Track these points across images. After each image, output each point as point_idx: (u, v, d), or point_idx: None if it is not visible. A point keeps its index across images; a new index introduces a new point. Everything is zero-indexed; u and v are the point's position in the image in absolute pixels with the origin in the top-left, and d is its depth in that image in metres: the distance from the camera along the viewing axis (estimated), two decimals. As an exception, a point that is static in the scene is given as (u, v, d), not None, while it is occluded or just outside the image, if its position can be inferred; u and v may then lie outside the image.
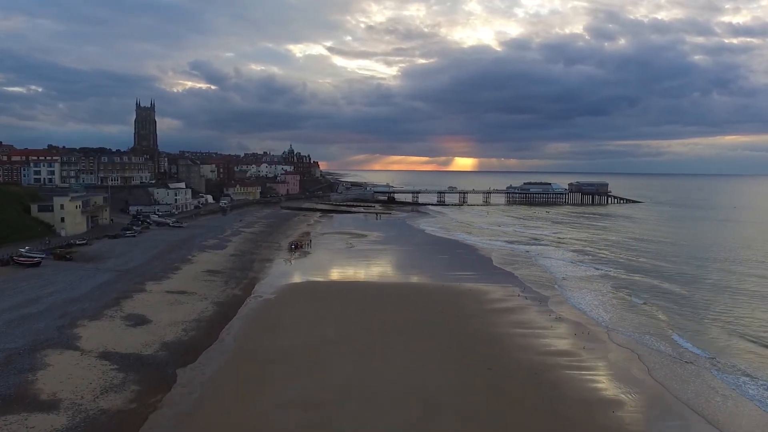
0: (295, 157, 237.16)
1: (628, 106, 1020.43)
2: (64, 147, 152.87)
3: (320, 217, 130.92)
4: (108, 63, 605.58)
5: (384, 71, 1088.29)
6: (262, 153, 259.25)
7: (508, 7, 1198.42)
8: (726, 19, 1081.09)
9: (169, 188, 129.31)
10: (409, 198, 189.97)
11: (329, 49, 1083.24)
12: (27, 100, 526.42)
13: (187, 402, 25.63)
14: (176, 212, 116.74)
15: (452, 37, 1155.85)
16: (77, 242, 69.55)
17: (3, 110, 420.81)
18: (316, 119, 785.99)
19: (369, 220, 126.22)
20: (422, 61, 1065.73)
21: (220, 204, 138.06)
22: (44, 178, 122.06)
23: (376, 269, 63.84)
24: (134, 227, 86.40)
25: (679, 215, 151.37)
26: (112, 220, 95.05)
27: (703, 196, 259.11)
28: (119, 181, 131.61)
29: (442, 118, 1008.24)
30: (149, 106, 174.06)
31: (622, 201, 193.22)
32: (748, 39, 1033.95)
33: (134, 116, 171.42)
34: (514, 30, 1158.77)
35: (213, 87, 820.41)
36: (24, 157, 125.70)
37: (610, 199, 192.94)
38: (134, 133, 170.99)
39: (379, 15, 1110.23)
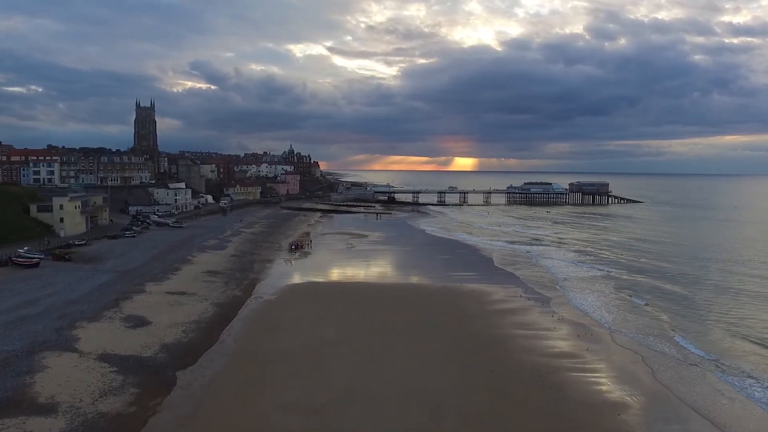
0: (295, 157, 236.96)
1: (628, 106, 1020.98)
2: (63, 147, 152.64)
3: (320, 217, 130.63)
4: (108, 63, 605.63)
5: (384, 71, 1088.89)
6: (262, 153, 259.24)
7: (508, 7, 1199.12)
8: (726, 18, 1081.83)
9: (168, 188, 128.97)
10: (409, 198, 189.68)
11: (329, 49, 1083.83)
12: (27, 100, 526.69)
13: (188, 405, 25.32)
14: (176, 212, 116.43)
15: (452, 37, 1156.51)
16: (76, 243, 69.23)
17: (3, 110, 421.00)
18: (316, 119, 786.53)
19: (369, 220, 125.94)
20: (422, 61, 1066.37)
21: (220, 204, 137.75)
22: (43, 178, 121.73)
23: (376, 270, 63.54)
24: (134, 227, 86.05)
25: (680, 215, 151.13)
26: (111, 220, 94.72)
27: (704, 196, 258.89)
28: (119, 181, 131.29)
29: (442, 118, 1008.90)
30: (149, 106, 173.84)
31: (622, 201, 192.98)
32: (749, 39, 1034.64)
33: (134, 116, 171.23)
34: (515, 30, 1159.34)
35: (213, 87, 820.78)
36: (23, 157, 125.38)
37: (610, 199, 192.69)
38: (134, 133, 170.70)
39: (379, 15, 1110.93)
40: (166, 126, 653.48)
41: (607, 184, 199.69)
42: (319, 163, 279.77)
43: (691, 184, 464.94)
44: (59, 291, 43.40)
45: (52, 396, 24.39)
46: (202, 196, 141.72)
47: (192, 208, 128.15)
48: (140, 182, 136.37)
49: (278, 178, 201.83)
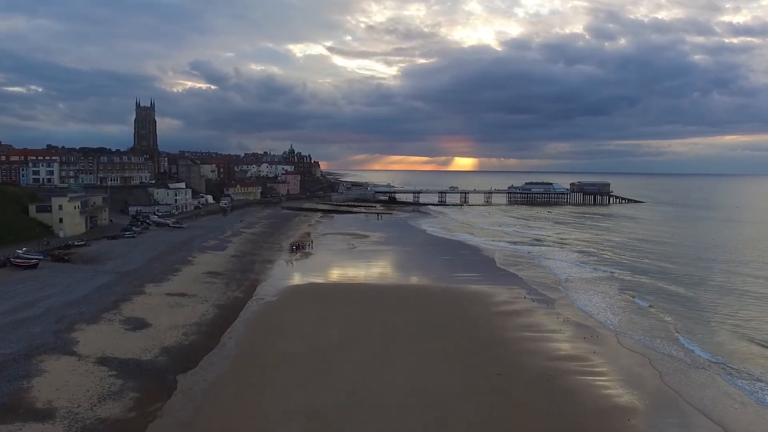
0: (295, 157, 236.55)
1: (628, 106, 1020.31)
2: (63, 147, 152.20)
3: (321, 217, 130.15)
4: (108, 63, 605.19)
5: (384, 71, 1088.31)
6: (262, 153, 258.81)
7: (508, 6, 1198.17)
8: (726, 18, 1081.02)
9: (168, 188, 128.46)
10: (410, 198, 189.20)
11: (329, 49, 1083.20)
12: (27, 100, 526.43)
13: (188, 410, 24.81)
14: (176, 213, 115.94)
15: (452, 37, 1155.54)
16: (76, 243, 68.73)
17: (3, 110, 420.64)
18: (316, 119, 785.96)
19: (370, 220, 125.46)
20: (422, 61, 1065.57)
21: (221, 204, 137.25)
22: (43, 179, 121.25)
23: (378, 271, 63.03)
24: (133, 228, 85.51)
25: (681, 215, 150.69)
26: (111, 220, 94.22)
27: (705, 196, 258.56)
28: (119, 181, 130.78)
29: (442, 118, 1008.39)
30: (149, 105, 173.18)
31: (623, 201, 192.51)
32: (749, 39, 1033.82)
33: (134, 116, 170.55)
34: (515, 30, 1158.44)
35: (213, 87, 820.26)
36: (22, 157, 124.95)
37: (611, 199, 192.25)
38: (134, 133, 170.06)
39: (379, 15, 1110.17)
40: (166, 126, 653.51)
41: (609, 184, 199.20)
42: (320, 163, 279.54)
43: (691, 184, 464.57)
44: (58, 292, 42.88)
45: (50, 401, 23.86)
46: (203, 196, 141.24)
47: (192, 208, 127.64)
48: (140, 182, 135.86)
49: (279, 178, 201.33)
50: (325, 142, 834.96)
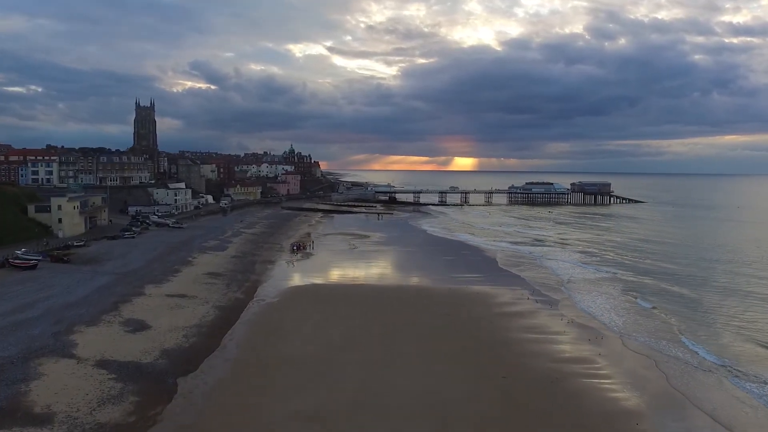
0: (295, 157, 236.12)
1: (628, 106, 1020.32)
2: (62, 147, 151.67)
3: (322, 217, 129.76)
4: (108, 63, 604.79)
5: (384, 71, 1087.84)
6: (262, 153, 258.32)
7: (508, 6, 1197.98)
8: (726, 18, 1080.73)
9: (168, 188, 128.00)
10: (410, 198, 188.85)
11: (329, 48, 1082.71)
12: (27, 100, 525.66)
13: (189, 414, 24.40)
14: (176, 213, 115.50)
15: (452, 36, 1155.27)
16: (75, 244, 68.31)
17: (3, 110, 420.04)
18: (316, 119, 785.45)
19: (371, 220, 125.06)
20: (422, 60, 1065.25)
21: (221, 204, 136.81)
22: (42, 179, 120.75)
23: (380, 271, 62.66)
24: (133, 228, 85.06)
25: (682, 215, 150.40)
26: (110, 220, 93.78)
27: (705, 196, 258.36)
28: (118, 181, 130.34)
29: (442, 118, 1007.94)
30: (149, 105, 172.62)
31: (624, 201, 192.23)
32: (749, 39, 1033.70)
33: (134, 116, 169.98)
34: (514, 30, 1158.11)
35: (213, 87, 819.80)
36: (22, 157, 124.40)
37: (612, 199, 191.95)
38: (134, 133, 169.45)
39: (379, 15, 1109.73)
40: (165, 126, 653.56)
41: (609, 184, 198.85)
42: (319, 163, 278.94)
43: (691, 183, 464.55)
44: (57, 294, 42.45)
45: (48, 405, 23.44)
46: (202, 197, 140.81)
47: (192, 208, 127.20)
48: (140, 182, 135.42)
49: (279, 178, 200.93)
50: (324, 142, 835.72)
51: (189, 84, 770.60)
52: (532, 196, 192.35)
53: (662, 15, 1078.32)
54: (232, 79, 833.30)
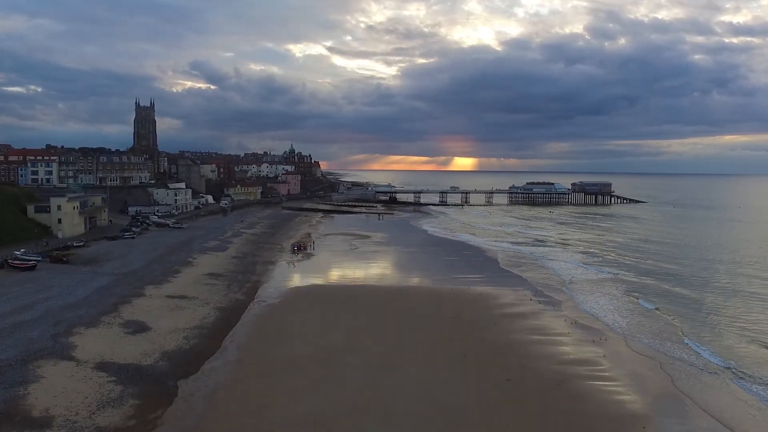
0: (296, 157, 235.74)
1: (628, 106, 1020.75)
2: (62, 147, 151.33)
3: (322, 217, 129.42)
4: (108, 63, 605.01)
5: (384, 71, 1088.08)
6: (262, 153, 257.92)
7: (508, 6, 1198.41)
8: (726, 18, 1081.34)
9: (168, 188, 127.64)
10: (410, 198, 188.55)
11: (329, 48, 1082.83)
12: (27, 100, 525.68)
13: (190, 418, 24.06)
14: (176, 213, 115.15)
15: (452, 36, 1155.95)
16: (74, 244, 67.94)
17: (3, 110, 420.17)
18: (316, 119, 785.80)
19: (371, 220, 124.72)
20: (422, 60, 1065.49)
21: (221, 204, 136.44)
22: (41, 179, 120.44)
23: (382, 272, 62.33)
24: (133, 228, 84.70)
25: (683, 215, 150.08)
26: (110, 221, 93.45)
27: (706, 196, 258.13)
28: (118, 181, 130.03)
29: (442, 118, 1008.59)
30: (149, 105, 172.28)
31: (625, 201, 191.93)
32: (748, 38, 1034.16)
33: (134, 116, 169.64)
34: (514, 30, 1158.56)
35: (213, 87, 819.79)
36: (21, 157, 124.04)
37: (613, 199, 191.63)
38: (133, 133, 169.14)
39: (378, 15, 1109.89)
40: (165, 126, 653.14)
41: (610, 184, 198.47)
42: (319, 162, 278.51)
43: (691, 183, 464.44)
44: (56, 295, 42.07)
45: (47, 409, 23.09)
46: (203, 197, 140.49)
47: (192, 208, 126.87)
48: (140, 182, 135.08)
49: (279, 178, 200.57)
50: (324, 142, 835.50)
51: (189, 84, 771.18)
52: (532, 196, 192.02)
53: (662, 15, 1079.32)
54: (231, 79, 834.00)
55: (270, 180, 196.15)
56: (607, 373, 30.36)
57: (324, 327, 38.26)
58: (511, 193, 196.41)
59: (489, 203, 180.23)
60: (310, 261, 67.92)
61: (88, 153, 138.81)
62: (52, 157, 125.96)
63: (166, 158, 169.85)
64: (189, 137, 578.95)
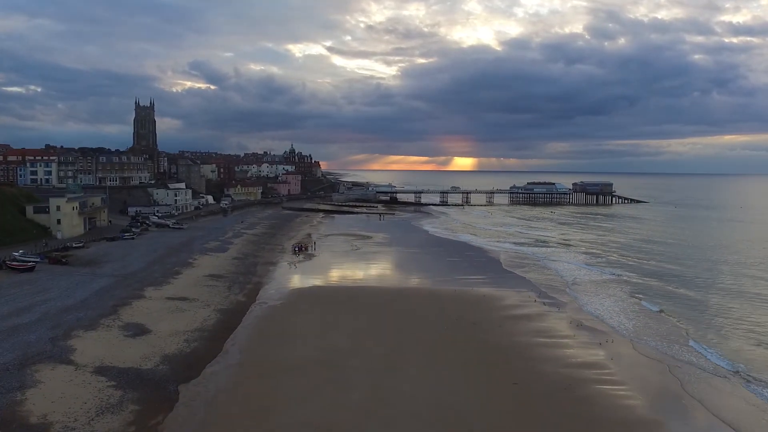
0: (296, 157, 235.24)
1: (628, 106, 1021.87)
2: (61, 147, 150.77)
3: (323, 217, 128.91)
4: (107, 63, 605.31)
5: (383, 71, 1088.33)
6: (262, 153, 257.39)
7: (507, 6, 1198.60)
8: (726, 18, 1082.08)
9: (168, 189, 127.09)
10: (411, 198, 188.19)
11: (329, 48, 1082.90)
12: (26, 100, 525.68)
13: (191, 423, 23.52)
14: (176, 213, 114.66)
15: (452, 36, 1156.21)
16: (74, 245, 67.39)
17: (2, 110, 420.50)
18: (316, 119, 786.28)
19: (372, 220, 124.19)
20: (422, 60, 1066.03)
21: (221, 205, 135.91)
22: (41, 179, 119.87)
23: (384, 273, 61.84)
24: (133, 229, 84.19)
25: (685, 215, 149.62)
26: (110, 221, 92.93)
27: (707, 196, 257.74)
28: (118, 182, 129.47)
29: (442, 118, 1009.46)
30: (148, 105, 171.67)
31: (626, 201, 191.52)
32: (748, 38, 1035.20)
33: (133, 116, 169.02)
34: (514, 29, 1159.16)
35: (212, 87, 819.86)
36: (20, 157, 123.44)
37: (614, 199, 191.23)
38: (133, 133, 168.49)
39: (378, 15, 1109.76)
40: (165, 126, 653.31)
41: (611, 184, 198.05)
42: (320, 162, 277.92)
43: (691, 183, 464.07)
44: (55, 297, 41.52)
45: (45, 415, 22.55)
46: (203, 197, 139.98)
47: (192, 208, 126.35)
48: (139, 182, 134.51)
49: (279, 178, 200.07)
50: (324, 141, 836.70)
51: (188, 84, 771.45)
52: (533, 196, 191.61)
53: (662, 15, 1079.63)
54: (231, 79, 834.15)
55: (270, 180, 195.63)
56: (615, 377, 29.84)
57: (326, 329, 37.72)
58: (512, 193, 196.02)
59: (490, 203, 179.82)
60: (312, 262, 67.39)
61: (88, 153, 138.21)
62: (51, 157, 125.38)
63: (166, 158, 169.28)
64: (189, 137, 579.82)
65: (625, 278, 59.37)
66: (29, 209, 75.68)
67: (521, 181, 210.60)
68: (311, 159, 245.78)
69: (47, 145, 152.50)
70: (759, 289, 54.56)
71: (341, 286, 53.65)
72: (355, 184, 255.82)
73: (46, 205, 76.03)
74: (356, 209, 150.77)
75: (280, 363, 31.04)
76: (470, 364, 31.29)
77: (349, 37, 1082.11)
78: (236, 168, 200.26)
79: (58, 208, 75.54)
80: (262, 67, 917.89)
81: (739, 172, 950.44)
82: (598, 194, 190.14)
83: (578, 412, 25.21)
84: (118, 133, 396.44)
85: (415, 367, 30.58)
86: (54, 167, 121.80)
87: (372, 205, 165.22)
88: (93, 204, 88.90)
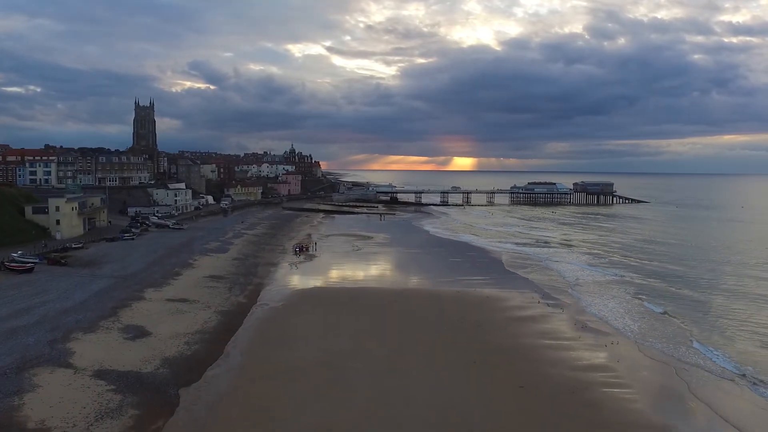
0: (296, 157, 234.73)
1: (628, 106, 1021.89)
2: (61, 147, 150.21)
3: (323, 218, 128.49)
4: (107, 63, 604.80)
5: (383, 71, 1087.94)
6: (262, 153, 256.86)
7: (507, 6, 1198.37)
8: (725, 18, 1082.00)
9: (168, 189, 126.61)
10: (411, 198, 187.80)
11: (328, 48, 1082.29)
12: (26, 100, 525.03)
13: (192, 428, 23.06)
14: (176, 213, 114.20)
15: (451, 36, 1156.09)
16: (73, 246, 66.91)
17: (1, 110, 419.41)
18: (316, 119, 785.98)
19: (373, 221, 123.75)
20: (421, 60, 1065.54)
21: (221, 205, 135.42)
22: (40, 179, 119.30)
23: (386, 274, 61.46)
24: (133, 229, 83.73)
25: (686, 215, 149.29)
26: (110, 222, 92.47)
27: (707, 196, 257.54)
28: (117, 182, 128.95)
29: (442, 118, 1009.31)
30: (148, 105, 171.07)
31: (627, 201, 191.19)
32: (748, 38, 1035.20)
33: (133, 116, 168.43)
34: (514, 29, 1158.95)
35: (212, 87, 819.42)
36: (19, 157, 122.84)
37: (615, 199, 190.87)
38: (133, 133, 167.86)
39: (378, 14, 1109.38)
40: (165, 126, 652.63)
41: (612, 184, 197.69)
42: (319, 162, 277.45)
43: (691, 183, 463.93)
44: (54, 299, 41.04)
45: (43, 420, 22.10)
46: (203, 197, 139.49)
47: (192, 209, 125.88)
48: (139, 183, 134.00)
49: (279, 178, 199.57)
50: (324, 141, 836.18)
51: (188, 84, 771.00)
52: (534, 196, 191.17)
53: (662, 14, 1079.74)
54: (231, 79, 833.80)
55: (270, 180, 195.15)
56: (622, 380, 29.44)
57: (328, 331, 37.30)
58: (513, 193, 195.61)
59: (490, 203, 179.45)
60: (313, 263, 66.95)
61: (87, 153, 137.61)
62: (50, 158, 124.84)
63: (165, 158, 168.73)
64: (188, 137, 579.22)
65: (627, 279, 59.03)
66: (28, 210, 75.21)
67: (521, 181, 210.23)
68: (311, 159, 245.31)
69: (47, 145, 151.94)
70: (762, 290, 54.20)
71: (342, 287, 53.20)
72: (355, 184, 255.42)
73: (45, 206, 75.55)
74: (356, 209, 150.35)
75: (281, 365, 30.62)
76: (475, 366, 30.86)
77: (348, 37, 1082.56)
78: (236, 168, 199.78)
79: (58, 208, 75.08)
80: (262, 67, 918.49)
81: (739, 172, 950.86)
82: (598, 194, 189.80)
83: (586, 416, 24.79)
84: (118, 133, 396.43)
85: (417, 369, 30.19)
86: (53, 167, 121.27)
87: (372, 205, 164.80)
88: (92, 204, 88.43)
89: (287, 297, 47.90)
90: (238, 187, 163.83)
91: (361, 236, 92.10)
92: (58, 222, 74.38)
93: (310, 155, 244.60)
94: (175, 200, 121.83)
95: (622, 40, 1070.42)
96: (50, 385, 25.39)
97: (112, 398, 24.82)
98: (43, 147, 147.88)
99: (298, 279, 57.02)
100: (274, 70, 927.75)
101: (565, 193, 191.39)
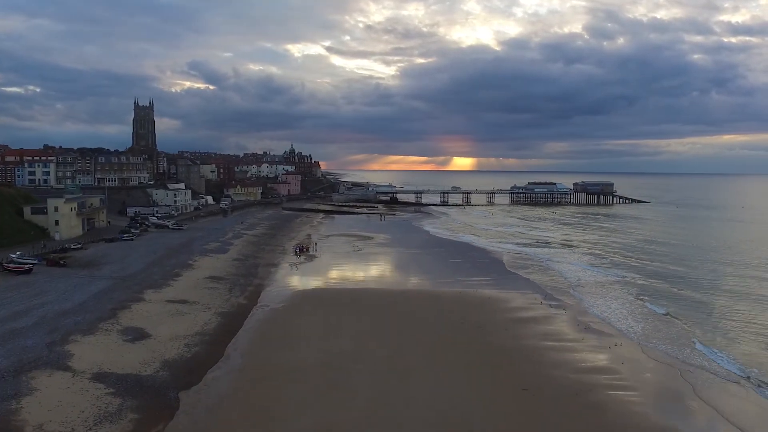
0: (296, 157, 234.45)
1: (627, 106, 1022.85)
2: (60, 147, 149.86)
3: (323, 218, 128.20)
4: (107, 63, 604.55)
5: (383, 71, 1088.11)
6: (262, 153, 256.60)
7: (506, 6, 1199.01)
8: (725, 18, 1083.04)
9: (168, 189, 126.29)
10: (411, 198, 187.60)
11: (328, 48, 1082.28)
12: (25, 101, 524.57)
13: (192, 432, 22.81)
14: (176, 214, 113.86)
15: (451, 36, 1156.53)
16: (72, 246, 66.57)
17: (1, 110, 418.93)
18: (315, 119, 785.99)
19: (373, 221, 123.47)
20: (421, 60, 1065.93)
21: (221, 205, 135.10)
22: (39, 179, 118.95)
23: (386, 274, 61.17)
24: (132, 230, 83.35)
25: (687, 215, 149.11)
26: (109, 222, 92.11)
27: (708, 196, 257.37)
28: (117, 182, 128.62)
29: (441, 118, 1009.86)
30: (148, 105, 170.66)
31: (627, 201, 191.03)
32: (747, 38, 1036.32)
33: (132, 116, 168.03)
34: (513, 29, 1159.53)
35: (211, 87, 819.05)
36: (18, 158, 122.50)
37: (615, 199, 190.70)
38: (132, 133, 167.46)
39: (377, 14, 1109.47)
40: (164, 126, 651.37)
41: (612, 184, 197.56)
42: (319, 162, 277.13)
43: (690, 183, 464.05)
44: (52, 300, 40.70)
45: (41, 425, 21.79)
46: (202, 197, 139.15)
47: (192, 209, 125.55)
48: (139, 183, 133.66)
49: (279, 178, 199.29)
50: (323, 141, 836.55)
51: (187, 84, 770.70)
52: (534, 196, 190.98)
53: (661, 14, 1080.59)
54: (230, 79, 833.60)
55: (270, 180, 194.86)
56: (626, 382, 29.17)
57: (329, 332, 37.01)
58: (513, 193, 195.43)
59: (490, 203, 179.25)
60: (313, 263, 66.64)
61: (87, 153, 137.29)
62: (49, 158, 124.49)
63: (165, 158, 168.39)
64: (188, 137, 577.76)
65: (629, 280, 58.78)
66: (27, 210, 74.86)
67: (521, 181, 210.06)
68: (311, 159, 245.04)
69: (46, 146, 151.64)
70: (765, 291, 54.02)
71: (343, 288, 52.90)
72: (355, 185, 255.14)
73: (44, 206, 75.20)
74: (356, 209, 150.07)
75: (282, 367, 30.35)
76: (478, 368, 30.60)
77: (348, 37, 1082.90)
78: (236, 168, 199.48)
79: (56, 208, 74.73)
80: (261, 67, 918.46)
81: (738, 172, 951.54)
82: (599, 194, 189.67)
83: (590, 419, 24.53)
84: (117, 133, 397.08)
85: (419, 371, 29.92)
86: (52, 167, 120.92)
87: (372, 205, 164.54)
88: (91, 205, 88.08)
89: (288, 298, 47.60)
90: (238, 187, 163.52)
91: (362, 236, 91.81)
92: (56, 222, 74.04)
93: (309, 155, 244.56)
94: (175, 200, 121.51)
95: (621, 40, 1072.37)
96: (48, 388, 25.07)
97: (111, 402, 24.51)
98: (42, 147, 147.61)
99: (298, 280, 56.72)
100: (273, 70, 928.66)
101: (565, 193, 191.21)
